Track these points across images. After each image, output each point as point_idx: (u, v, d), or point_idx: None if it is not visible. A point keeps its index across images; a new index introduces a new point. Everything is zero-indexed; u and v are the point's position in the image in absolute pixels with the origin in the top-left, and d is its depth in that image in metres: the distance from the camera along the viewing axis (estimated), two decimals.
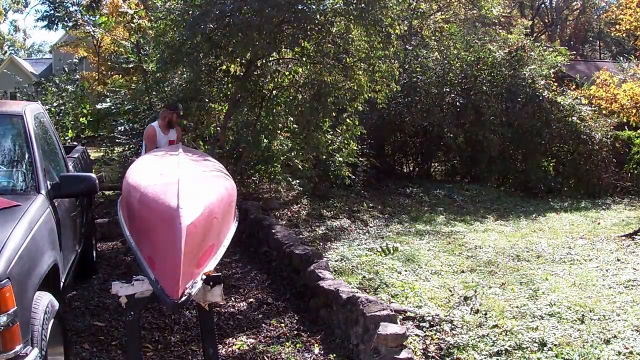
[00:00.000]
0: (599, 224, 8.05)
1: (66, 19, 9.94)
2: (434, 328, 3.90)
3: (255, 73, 7.94)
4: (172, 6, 7.78)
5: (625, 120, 10.86)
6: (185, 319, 4.56)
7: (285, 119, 8.34)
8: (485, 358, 3.53)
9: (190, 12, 7.30)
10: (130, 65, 11.09)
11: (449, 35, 12.55)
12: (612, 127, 12.04)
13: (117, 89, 11.11)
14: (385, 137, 11.79)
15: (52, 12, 10.01)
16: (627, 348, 3.55)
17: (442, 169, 13.25)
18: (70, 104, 10.95)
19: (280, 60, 8.19)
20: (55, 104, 11.45)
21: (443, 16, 15.24)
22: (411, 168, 12.92)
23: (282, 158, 8.32)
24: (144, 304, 3.33)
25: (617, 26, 11.60)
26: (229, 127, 8.30)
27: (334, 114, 8.39)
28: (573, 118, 11.80)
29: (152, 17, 8.47)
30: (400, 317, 3.98)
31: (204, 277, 3.14)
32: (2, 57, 34.47)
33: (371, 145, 10.41)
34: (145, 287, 3.21)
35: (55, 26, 10.40)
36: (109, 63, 15.51)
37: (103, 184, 8.40)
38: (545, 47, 13.49)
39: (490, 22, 15.06)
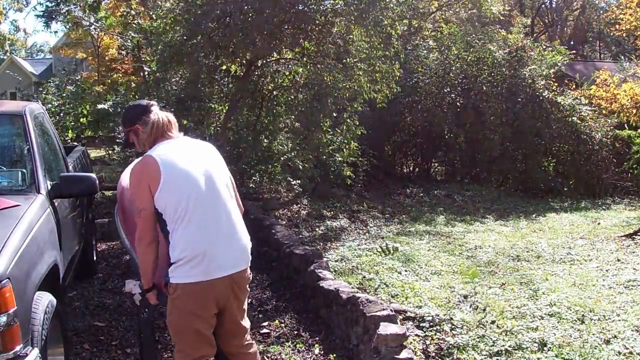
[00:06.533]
0: (599, 224, 8.05)
1: (65, 15, 9.90)
2: (434, 328, 3.90)
3: (256, 73, 7.94)
4: (173, 6, 7.79)
5: (625, 120, 10.86)
6: None
7: (286, 119, 8.34)
8: (485, 358, 3.52)
9: (191, 12, 7.30)
10: (133, 61, 11.09)
11: (449, 35, 12.55)
12: (612, 127, 12.04)
13: (118, 89, 11.11)
14: (385, 137, 11.79)
15: (53, 6, 9.96)
16: (627, 348, 3.55)
17: (442, 169, 13.26)
18: (70, 104, 10.94)
19: (281, 61, 8.19)
20: (55, 104, 11.42)
21: (443, 16, 15.24)
22: (411, 168, 12.92)
23: (282, 158, 8.33)
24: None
25: (617, 26, 11.60)
26: (229, 127, 8.30)
27: (334, 114, 8.39)
28: (573, 118, 11.80)
29: (153, 16, 8.49)
30: (400, 317, 3.98)
31: None
32: (3, 57, 34.45)
33: (371, 145, 10.41)
34: None
35: (54, 21, 10.38)
36: (110, 61, 15.51)
37: (103, 184, 8.40)
38: (545, 47, 13.50)
39: (489, 21, 15.05)
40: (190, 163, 2.71)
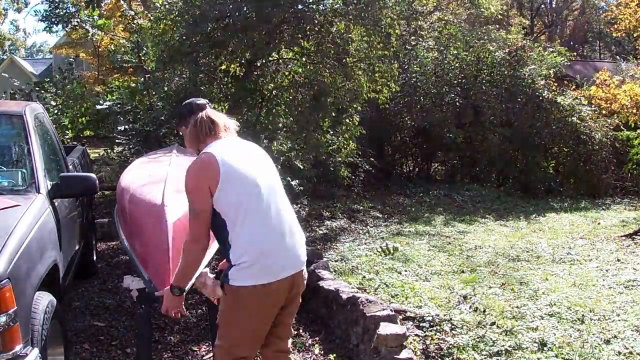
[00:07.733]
0: (599, 224, 8.05)
1: (65, 19, 9.92)
2: (434, 328, 3.90)
3: (255, 73, 7.94)
4: (172, 6, 7.78)
5: (624, 121, 10.86)
6: (185, 319, 4.55)
7: (285, 119, 8.33)
8: (485, 358, 3.52)
9: (190, 12, 7.30)
10: (129, 65, 11.09)
11: (448, 35, 12.55)
12: (611, 128, 12.05)
13: (117, 89, 11.09)
14: (385, 137, 11.79)
15: (52, 10, 10.00)
16: (627, 348, 3.55)
17: (442, 169, 13.25)
18: (69, 104, 10.92)
19: (280, 60, 8.19)
20: (53, 104, 11.40)
21: (443, 16, 15.24)
22: (411, 168, 12.91)
23: (281, 158, 8.32)
24: (155, 298, 3.33)
25: (616, 25, 11.60)
26: None
27: (334, 114, 8.39)
28: (573, 118, 11.80)
29: (151, 17, 8.48)
30: (400, 317, 3.98)
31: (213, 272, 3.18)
32: (3, 57, 34.45)
33: (371, 146, 10.40)
34: None
35: (55, 26, 10.41)
36: (108, 65, 15.49)
37: (103, 184, 8.39)
38: (545, 48, 13.50)
39: (488, 21, 15.05)
40: (247, 162, 2.62)
